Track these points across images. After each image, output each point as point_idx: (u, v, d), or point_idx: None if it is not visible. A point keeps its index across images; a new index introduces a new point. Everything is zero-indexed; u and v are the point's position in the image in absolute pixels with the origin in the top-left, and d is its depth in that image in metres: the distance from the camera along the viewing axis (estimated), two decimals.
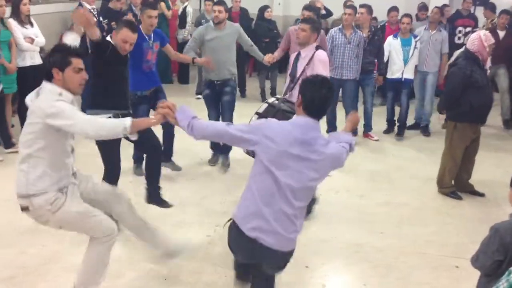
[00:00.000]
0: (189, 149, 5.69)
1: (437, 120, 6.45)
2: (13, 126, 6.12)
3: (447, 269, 3.79)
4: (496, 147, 6.63)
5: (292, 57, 4.71)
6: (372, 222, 4.49)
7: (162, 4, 9.07)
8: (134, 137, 2.94)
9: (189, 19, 9.27)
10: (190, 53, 5.45)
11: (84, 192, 3.07)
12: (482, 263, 2.43)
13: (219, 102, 5.51)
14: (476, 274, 2.57)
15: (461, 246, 4.08)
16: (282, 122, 2.61)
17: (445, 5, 8.65)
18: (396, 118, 7.14)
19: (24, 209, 2.86)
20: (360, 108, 6.94)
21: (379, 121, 7.18)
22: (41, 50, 6.28)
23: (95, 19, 3.73)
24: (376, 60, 6.68)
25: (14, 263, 3.61)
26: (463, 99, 4.73)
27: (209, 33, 5.37)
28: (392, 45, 6.88)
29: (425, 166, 5.86)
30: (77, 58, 2.85)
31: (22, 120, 5.97)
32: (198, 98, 7.70)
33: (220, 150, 5.60)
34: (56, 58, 2.82)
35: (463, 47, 7.12)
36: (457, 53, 7.05)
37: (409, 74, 6.89)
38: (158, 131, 4.57)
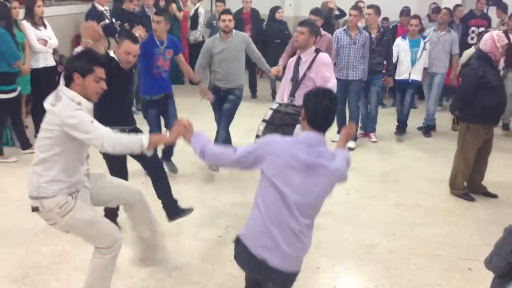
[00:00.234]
0: None
1: (444, 121, 6.39)
2: (26, 127, 6.17)
3: (459, 271, 3.76)
4: (507, 148, 6.56)
5: (292, 62, 4.65)
6: (384, 223, 4.47)
7: (173, 5, 9.12)
8: (149, 153, 3.00)
9: (201, 20, 9.31)
10: (200, 72, 5.53)
11: (95, 190, 3.09)
12: (496, 264, 2.42)
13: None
14: (488, 276, 2.55)
15: (473, 248, 4.06)
16: (286, 138, 2.63)
17: (457, 5, 8.57)
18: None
19: (35, 209, 2.89)
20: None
21: (391, 122, 7.15)
22: (54, 51, 6.35)
23: (101, 33, 3.75)
24: (385, 61, 6.63)
25: (26, 262, 3.65)
26: (476, 100, 4.70)
27: (217, 46, 5.37)
28: (400, 46, 6.83)
29: (433, 167, 5.83)
30: (101, 68, 2.85)
31: (36, 121, 6.05)
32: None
33: None
34: (81, 64, 2.82)
35: (472, 47, 7.13)
36: (466, 52, 7.03)
37: (416, 76, 6.82)
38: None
